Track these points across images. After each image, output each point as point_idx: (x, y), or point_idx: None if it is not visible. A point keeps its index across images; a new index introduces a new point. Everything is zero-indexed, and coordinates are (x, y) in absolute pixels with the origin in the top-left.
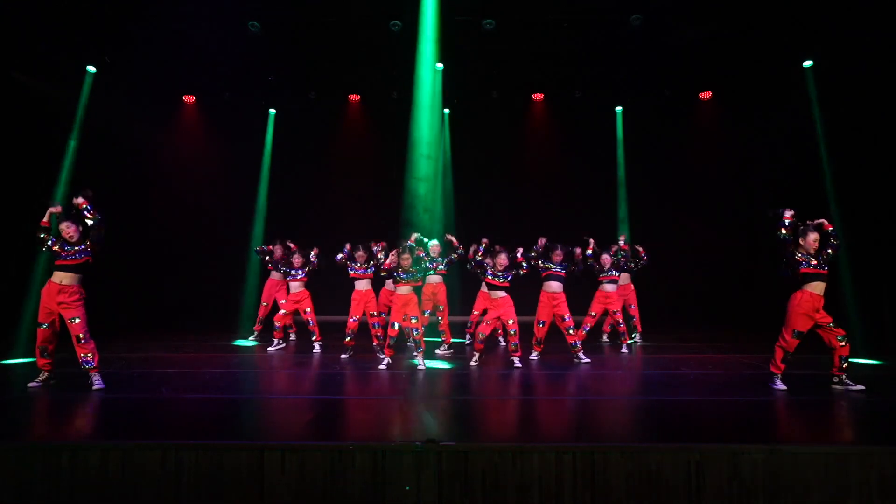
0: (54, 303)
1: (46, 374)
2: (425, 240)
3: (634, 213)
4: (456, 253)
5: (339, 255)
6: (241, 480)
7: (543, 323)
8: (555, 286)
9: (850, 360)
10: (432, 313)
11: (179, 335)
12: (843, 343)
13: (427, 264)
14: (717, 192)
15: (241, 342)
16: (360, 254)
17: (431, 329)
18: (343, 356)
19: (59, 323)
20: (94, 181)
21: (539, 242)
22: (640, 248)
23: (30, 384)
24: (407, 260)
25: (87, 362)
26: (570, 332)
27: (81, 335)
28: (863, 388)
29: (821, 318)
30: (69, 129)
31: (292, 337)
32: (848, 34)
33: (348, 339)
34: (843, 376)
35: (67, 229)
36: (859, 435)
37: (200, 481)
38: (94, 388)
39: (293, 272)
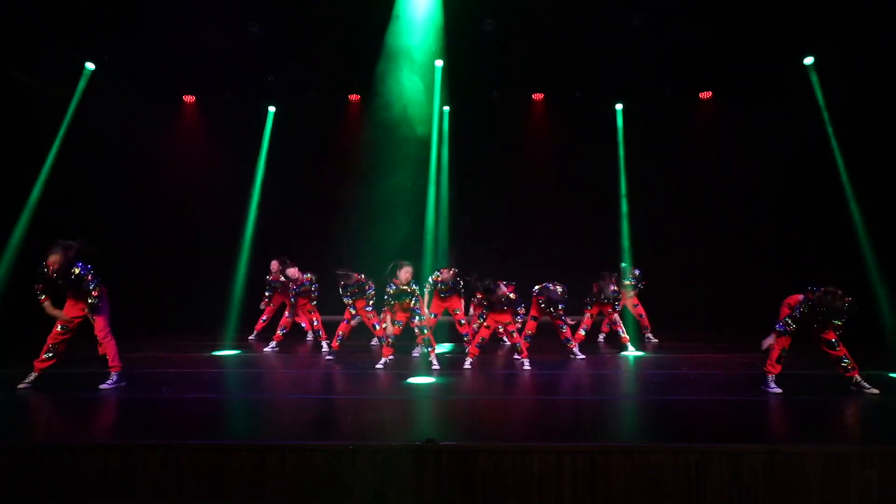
0: (80, 307)
1: (37, 374)
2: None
3: (635, 213)
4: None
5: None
6: (241, 480)
7: (536, 318)
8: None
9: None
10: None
11: (179, 335)
12: (835, 346)
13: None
14: (717, 191)
15: (228, 351)
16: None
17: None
18: (328, 357)
19: (80, 327)
20: (94, 180)
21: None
22: (636, 272)
23: (20, 385)
24: (407, 275)
25: (105, 361)
26: (563, 329)
27: (98, 335)
28: (877, 391)
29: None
30: (68, 128)
31: (310, 337)
32: (850, 27)
33: (336, 341)
34: (858, 378)
35: (53, 263)
36: (859, 435)
37: (200, 481)
38: (101, 387)
39: (297, 289)
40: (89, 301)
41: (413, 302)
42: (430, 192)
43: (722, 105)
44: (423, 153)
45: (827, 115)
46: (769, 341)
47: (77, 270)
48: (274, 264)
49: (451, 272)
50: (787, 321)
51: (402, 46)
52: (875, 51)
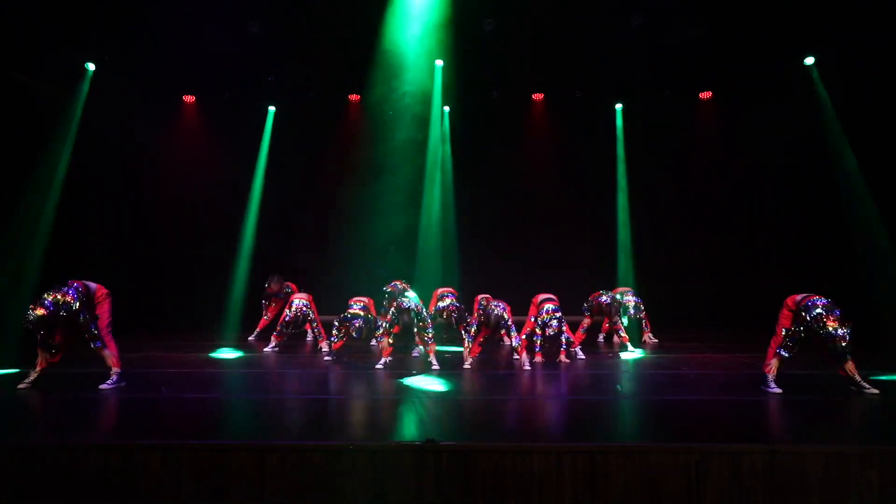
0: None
1: (36, 374)
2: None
3: (635, 214)
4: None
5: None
6: (241, 480)
7: (535, 318)
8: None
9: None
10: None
11: (179, 335)
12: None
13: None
14: (717, 192)
15: (229, 350)
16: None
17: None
18: (327, 357)
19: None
20: (94, 180)
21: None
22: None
23: (19, 385)
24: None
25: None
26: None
27: (101, 333)
28: (877, 391)
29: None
30: (68, 128)
31: (309, 337)
32: (850, 27)
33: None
34: (858, 378)
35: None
36: (859, 435)
37: (200, 481)
38: (101, 387)
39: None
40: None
41: (422, 322)
42: (429, 192)
43: (722, 105)
44: (423, 153)
45: (827, 115)
46: (772, 365)
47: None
48: (273, 281)
49: (458, 307)
50: (788, 344)
51: (402, 46)
52: (875, 51)
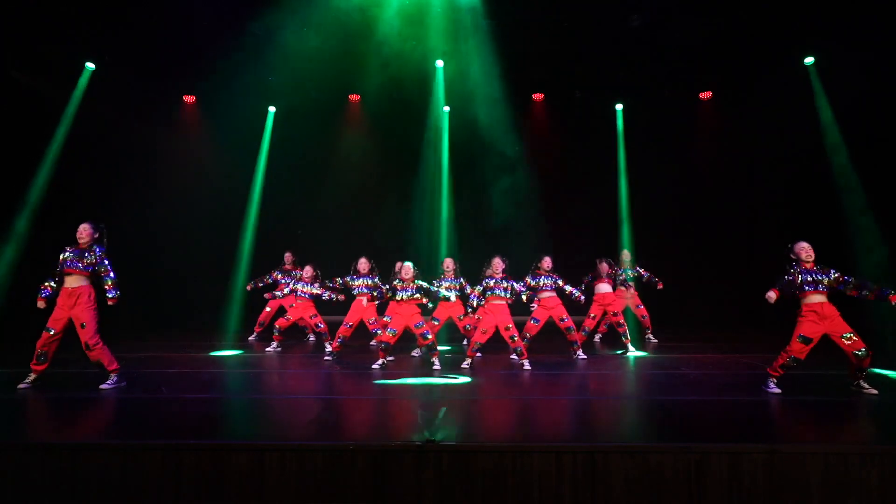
0: (66, 306)
1: (35, 376)
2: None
3: (635, 214)
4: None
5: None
6: (241, 480)
7: (537, 321)
8: (549, 293)
9: (870, 369)
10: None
11: (179, 335)
12: (860, 354)
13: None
14: (717, 191)
15: (228, 351)
16: (362, 262)
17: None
18: (327, 357)
19: (68, 329)
20: (93, 180)
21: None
22: (643, 272)
23: (20, 385)
24: (408, 273)
25: (101, 367)
26: (571, 332)
27: (89, 342)
28: (876, 392)
29: (830, 325)
30: (67, 127)
31: (311, 338)
32: (850, 27)
33: (336, 343)
34: (861, 381)
35: (81, 233)
36: (859, 435)
37: (200, 481)
38: (101, 387)
39: (308, 286)
40: (106, 289)
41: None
42: (430, 192)
43: (722, 105)
44: (424, 154)
45: (827, 114)
46: (778, 367)
47: (96, 251)
48: (287, 256)
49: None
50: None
51: (403, 46)
52: (875, 50)
